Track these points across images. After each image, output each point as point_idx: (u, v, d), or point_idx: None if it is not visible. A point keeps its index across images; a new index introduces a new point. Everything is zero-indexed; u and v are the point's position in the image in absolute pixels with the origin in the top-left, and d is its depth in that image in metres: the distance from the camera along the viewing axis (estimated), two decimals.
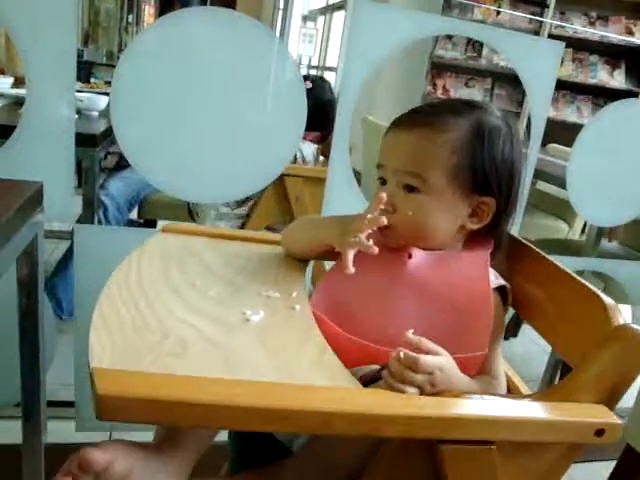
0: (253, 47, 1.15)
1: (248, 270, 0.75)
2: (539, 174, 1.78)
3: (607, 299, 0.59)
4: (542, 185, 2.39)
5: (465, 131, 0.72)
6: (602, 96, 4.16)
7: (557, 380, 1.87)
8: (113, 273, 0.67)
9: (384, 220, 0.68)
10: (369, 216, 0.68)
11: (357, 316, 0.71)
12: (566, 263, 0.73)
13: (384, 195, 0.69)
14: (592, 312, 0.60)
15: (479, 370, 0.67)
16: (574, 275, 0.65)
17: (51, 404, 1.26)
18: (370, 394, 0.51)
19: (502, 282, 0.75)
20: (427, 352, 0.58)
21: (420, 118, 0.76)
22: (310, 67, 6.66)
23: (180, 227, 0.86)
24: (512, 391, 0.71)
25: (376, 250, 0.66)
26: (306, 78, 1.94)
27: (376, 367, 0.64)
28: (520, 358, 2.07)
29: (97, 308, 0.57)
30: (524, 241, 0.78)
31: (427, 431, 0.49)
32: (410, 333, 0.59)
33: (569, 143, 2.31)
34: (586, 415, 0.52)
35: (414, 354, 0.55)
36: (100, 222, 1.90)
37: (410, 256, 0.74)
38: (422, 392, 0.56)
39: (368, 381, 0.61)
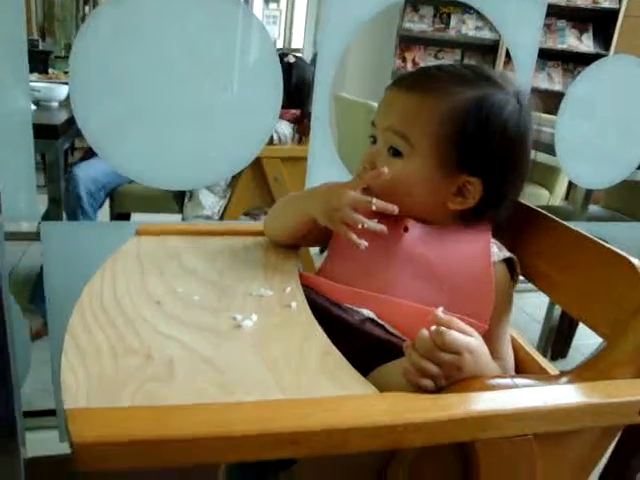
0: (219, 18, 1.07)
1: (234, 268, 0.69)
2: None
3: (635, 260, 0.53)
4: None
5: (465, 103, 0.66)
6: (572, 61, 4.16)
7: (550, 349, 1.86)
8: (84, 288, 0.60)
9: (395, 209, 0.65)
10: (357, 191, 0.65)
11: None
12: None
13: (386, 169, 0.66)
14: (619, 276, 0.55)
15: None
16: (593, 238, 0.59)
17: (29, 414, 1.19)
18: (387, 399, 0.45)
19: (507, 254, 0.70)
20: (458, 329, 0.52)
21: (424, 80, 0.70)
22: (276, 49, 6.54)
23: (155, 227, 0.80)
24: (533, 369, 0.66)
25: (385, 230, 0.63)
26: (285, 55, 1.87)
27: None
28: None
29: (68, 333, 0.50)
30: (532, 206, 0.73)
31: (457, 434, 0.43)
32: (440, 311, 0.52)
33: (543, 110, 2.29)
34: (629, 393, 0.46)
35: (444, 328, 0.49)
36: (75, 214, 1.80)
37: (406, 229, 0.69)
38: (445, 376, 0.50)
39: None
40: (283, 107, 1.15)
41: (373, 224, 0.64)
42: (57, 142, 1.31)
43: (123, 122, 1.09)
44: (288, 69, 1.72)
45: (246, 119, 1.15)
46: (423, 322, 0.61)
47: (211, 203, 1.66)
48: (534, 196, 2.57)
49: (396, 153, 0.68)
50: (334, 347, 0.52)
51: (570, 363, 2.06)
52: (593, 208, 2.15)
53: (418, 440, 0.43)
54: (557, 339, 1.85)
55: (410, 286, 0.66)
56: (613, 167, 1.45)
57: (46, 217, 1.38)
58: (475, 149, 0.66)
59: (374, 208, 0.64)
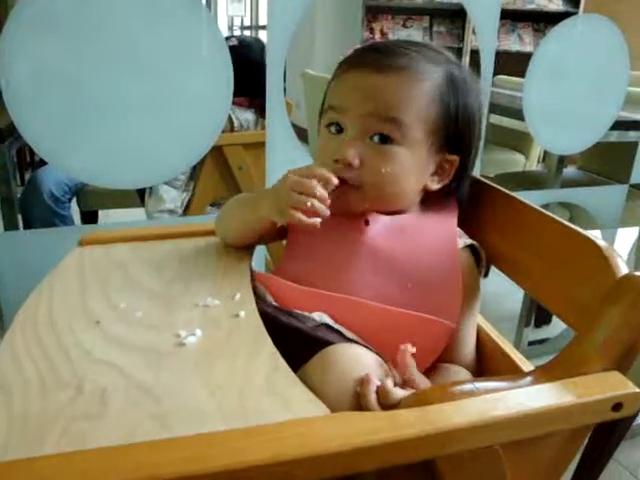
0: (163, 6, 1.00)
1: (182, 276, 0.64)
2: (491, 107, 1.70)
3: (604, 244, 0.49)
4: (494, 118, 2.32)
5: (440, 81, 0.64)
6: (542, 21, 4.10)
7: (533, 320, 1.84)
8: (17, 313, 0.55)
9: (334, 180, 0.59)
10: (314, 177, 0.59)
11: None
12: (532, 198, 0.65)
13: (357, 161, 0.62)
14: (587, 261, 0.51)
15: (449, 349, 0.61)
16: (559, 219, 0.55)
17: None
18: (336, 421, 0.40)
19: (468, 241, 0.65)
20: (408, 381, 0.50)
21: (394, 60, 0.63)
22: (243, 27, 6.41)
23: (99, 236, 0.75)
24: (502, 363, 0.62)
25: (318, 222, 0.58)
26: (227, 38, 1.77)
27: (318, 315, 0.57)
28: (491, 296, 2.02)
29: None
30: (493, 185, 0.68)
31: (416, 454, 0.39)
32: (408, 347, 0.50)
33: (515, 73, 2.24)
34: (601, 390, 0.43)
35: (389, 386, 0.46)
36: (48, 221, 1.76)
37: (367, 222, 0.64)
38: None
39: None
40: (239, 95, 1.08)
41: (318, 204, 0.57)
42: (3, 146, 1.24)
43: (67, 122, 1.02)
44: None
45: (196, 110, 1.09)
46: (382, 322, 0.57)
47: (173, 197, 1.60)
48: (510, 162, 2.54)
49: (385, 140, 0.62)
50: (283, 361, 0.47)
51: (555, 329, 2.05)
52: (569, 171, 2.12)
53: (372, 464, 0.38)
54: (540, 306, 1.83)
55: (372, 283, 0.61)
56: (584, 130, 1.41)
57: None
58: (457, 127, 0.65)
59: (317, 195, 0.58)
